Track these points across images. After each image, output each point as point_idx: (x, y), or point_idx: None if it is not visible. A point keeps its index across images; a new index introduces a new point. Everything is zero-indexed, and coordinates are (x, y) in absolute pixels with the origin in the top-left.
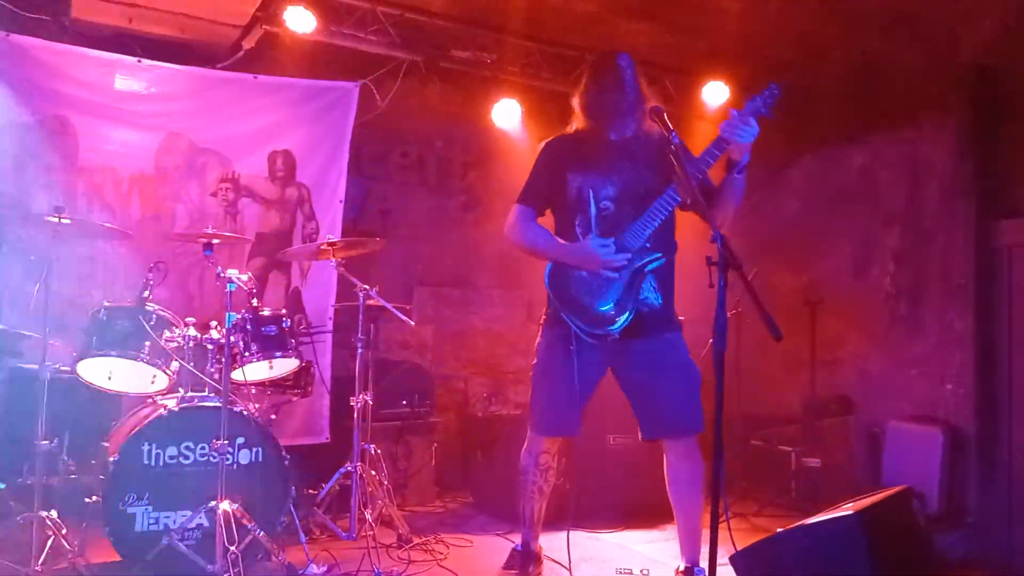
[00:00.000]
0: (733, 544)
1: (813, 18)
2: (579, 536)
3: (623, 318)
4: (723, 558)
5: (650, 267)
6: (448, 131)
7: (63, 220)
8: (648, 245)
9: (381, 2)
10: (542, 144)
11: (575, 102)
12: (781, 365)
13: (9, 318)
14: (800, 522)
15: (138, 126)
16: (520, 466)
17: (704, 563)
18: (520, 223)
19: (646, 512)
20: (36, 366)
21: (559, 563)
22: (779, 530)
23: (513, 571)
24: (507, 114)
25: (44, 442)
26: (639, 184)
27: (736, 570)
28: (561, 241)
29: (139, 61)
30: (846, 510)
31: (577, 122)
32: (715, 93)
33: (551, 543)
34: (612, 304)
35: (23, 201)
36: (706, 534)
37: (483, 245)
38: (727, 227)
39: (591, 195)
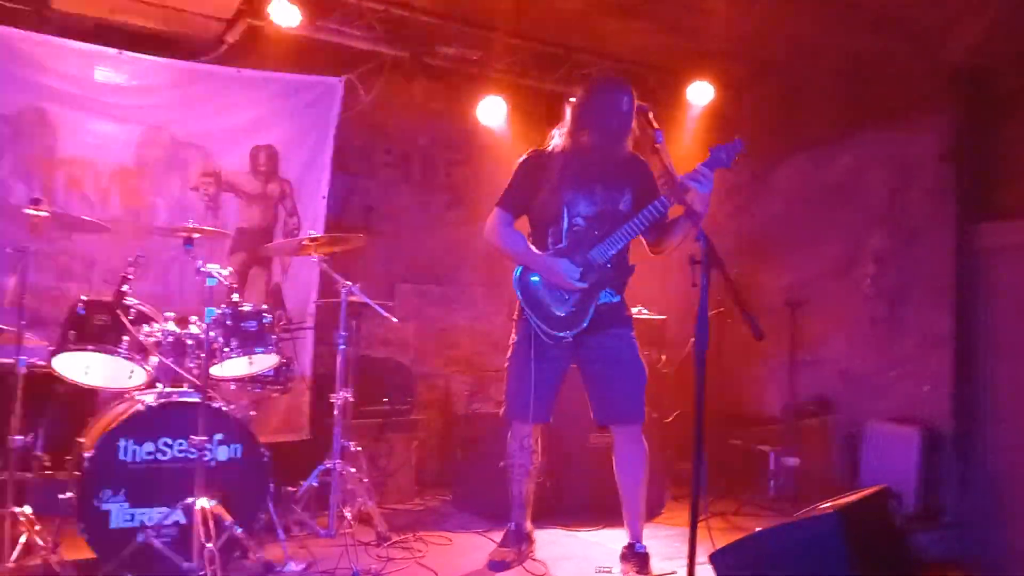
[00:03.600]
0: (712, 542)
1: (802, 18)
2: (558, 534)
3: (578, 324)
4: (702, 556)
5: (602, 297)
6: (433, 128)
7: (40, 212)
8: (609, 265)
9: None
10: (525, 154)
11: (568, 112)
12: (763, 365)
13: None
14: (779, 521)
15: (118, 119)
16: (507, 452)
17: (648, 541)
18: (499, 227)
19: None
20: (11, 360)
21: (539, 561)
22: (758, 529)
23: (508, 548)
24: (492, 111)
25: (18, 437)
26: (612, 205)
27: (715, 568)
28: (534, 250)
29: (120, 54)
30: (824, 509)
31: (565, 135)
32: (700, 93)
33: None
34: (571, 311)
35: (0, 193)
36: (685, 532)
37: (467, 243)
38: (669, 252)
39: (565, 211)
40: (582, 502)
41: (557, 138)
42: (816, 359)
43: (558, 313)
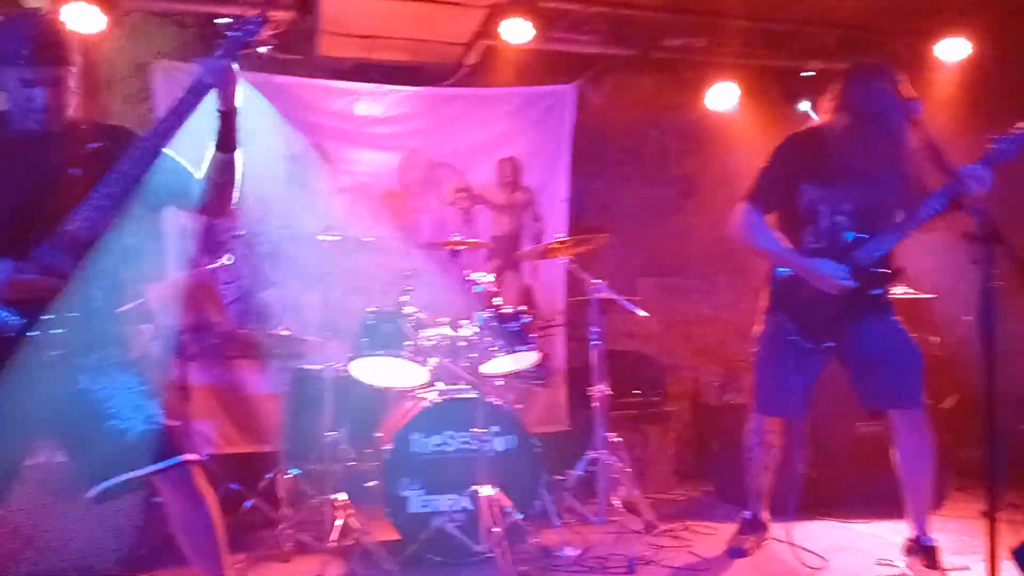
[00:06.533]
0: (1015, 537)
1: None
2: (830, 525)
3: (842, 331)
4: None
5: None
6: (663, 120)
7: (333, 238)
8: (877, 267)
9: (592, 2)
10: (781, 141)
11: (835, 100)
12: None
13: (290, 325)
14: None
15: (381, 147)
16: (746, 445)
17: (934, 533)
18: (750, 226)
19: (901, 502)
20: (319, 366)
21: (815, 553)
22: None
23: (745, 536)
24: (722, 97)
25: (330, 433)
26: (877, 200)
27: (1020, 565)
28: (793, 251)
29: (377, 87)
30: None
31: (831, 122)
32: (951, 49)
33: (802, 532)
34: (834, 315)
35: (294, 223)
36: (972, 525)
37: (705, 232)
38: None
39: (824, 208)
40: (852, 493)
41: (815, 120)
42: None
43: (819, 318)
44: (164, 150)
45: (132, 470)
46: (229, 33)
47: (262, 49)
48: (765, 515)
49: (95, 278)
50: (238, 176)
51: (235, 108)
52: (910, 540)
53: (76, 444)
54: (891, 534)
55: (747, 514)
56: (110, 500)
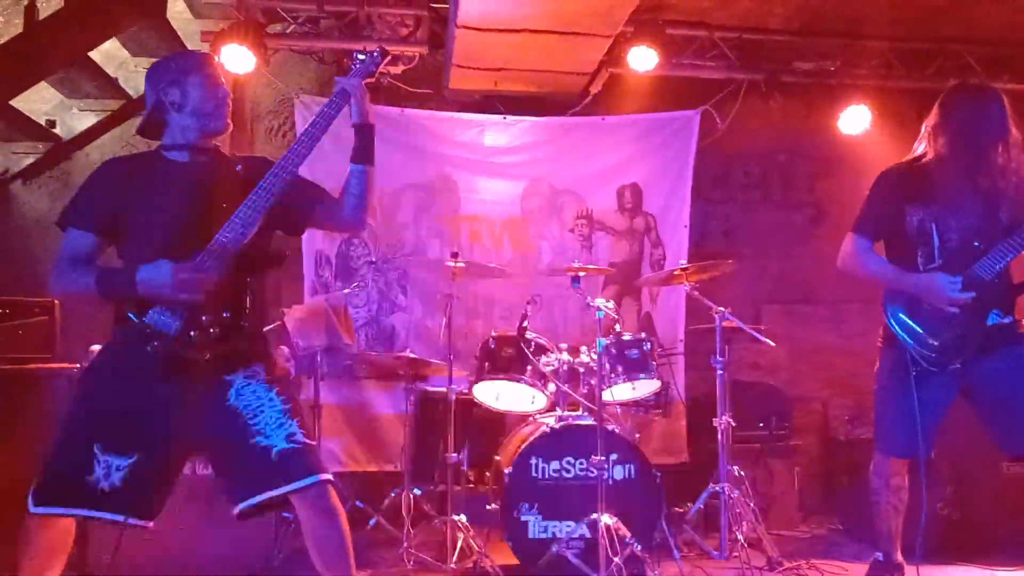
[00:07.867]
0: None
1: None
2: (974, 572)
3: (968, 350)
4: None
5: (990, 319)
6: (791, 144)
7: (459, 263)
8: (997, 281)
9: (719, 28)
10: (882, 173)
11: (931, 126)
12: None
13: (415, 348)
14: None
15: (505, 176)
16: (871, 487)
17: None
18: (857, 254)
19: None
20: (442, 389)
21: None
22: None
23: None
24: (855, 120)
25: (453, 455)
26: (990, 217)
27: None
28: (903, 271)
29: (504, 118)
30: None
31: (929, 148)
32: None
33: None
34: (957, 334)
35: (420, 248)
36: None
37: (835, 258)
38: None
39: (934, 228)
40: (998, 538)
41: (920, 147)
42: None
43: (942, 339)
44: (299, 174)
45: (274, 488)
46: (356, 65)
47: (384, 78)
48: (899, 556)
49: (246, 290)
50: (373, 194)
51: (370, 122)
52: None
53: (225, 459)
54: None
55: (879, 555)
56: (253, 518)
